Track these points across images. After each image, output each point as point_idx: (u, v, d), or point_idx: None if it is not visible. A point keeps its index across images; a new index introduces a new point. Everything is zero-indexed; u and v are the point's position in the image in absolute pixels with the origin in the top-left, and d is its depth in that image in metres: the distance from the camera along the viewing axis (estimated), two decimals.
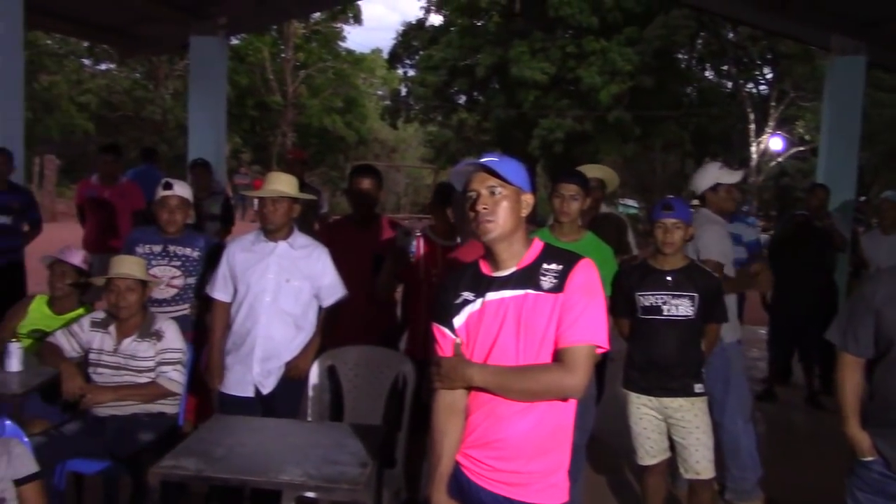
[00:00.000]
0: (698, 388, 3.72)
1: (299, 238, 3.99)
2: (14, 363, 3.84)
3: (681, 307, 3.66)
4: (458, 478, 2.43)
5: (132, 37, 10.77)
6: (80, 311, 4.28)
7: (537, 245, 2.39)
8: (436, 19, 29.81)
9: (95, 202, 7.00)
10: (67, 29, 11.83)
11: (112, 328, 3.88)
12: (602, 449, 5.17)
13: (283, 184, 3.89)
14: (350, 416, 3.87)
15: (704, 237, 4.26)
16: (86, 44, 29.72)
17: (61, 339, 3.94)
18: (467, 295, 2.39)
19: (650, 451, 3.84)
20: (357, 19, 36.99)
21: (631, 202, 33.39)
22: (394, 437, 3.78)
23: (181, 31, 10.18)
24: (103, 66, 34.46)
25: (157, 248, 4.44)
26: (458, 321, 2.39)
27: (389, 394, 3.90)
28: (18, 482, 2.72)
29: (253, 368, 3.90)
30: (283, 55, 36.01)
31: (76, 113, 30.82)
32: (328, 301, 4.02)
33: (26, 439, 2.93)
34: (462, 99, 30.14)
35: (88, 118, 31.38)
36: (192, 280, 4.48)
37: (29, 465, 2.76)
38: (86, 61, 34.21)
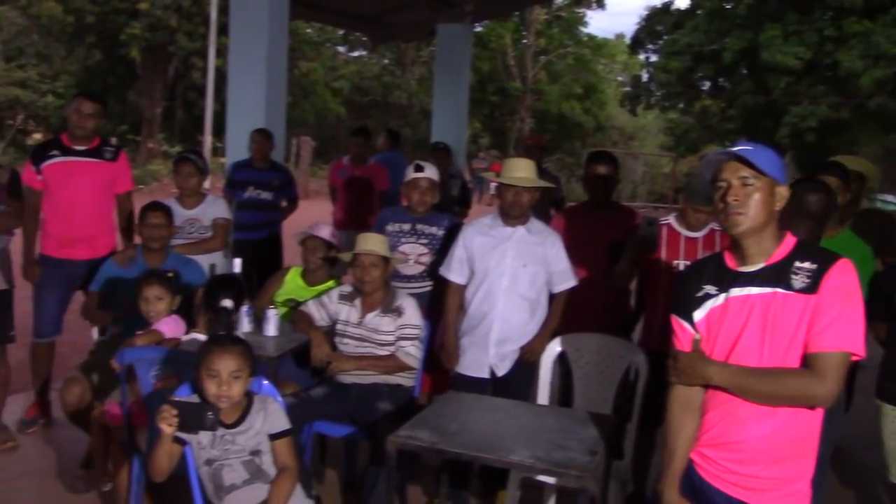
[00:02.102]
0: None
1: (535, 223, 4.03)
2: (270, 328, 4.16)
3: None
4: (691, 476, 2.36)
5: (384, 25, 11.25)
6: (330, 283, 4.56)
7: (789, 241, 2.26)
8: (682, 3, 28.94)
9: (346, 182, 7.42)
10: (326, 18, 12.56)
11: (357, 302, 4.10)
12: (849, 462, 4.83)
13: (523, 170, 3.94)
14: (579, 404, 3.86)
15: None
16: (341, 32, 31.49)
17: (312, 309, 4.22)
18: (710, 288, 2.30)
19: None
20: (600, 4, 36.59)
21: (891, 198, 30.71)
22: (623, 428, 3.73)
23: (429, 18, 10.52)
24: (356, 53, 36.41)
25: (406, 227, 4.65)
26: (698, 315, 2.31)
27: (621, 384, 3.85)
28: (273, 437, 2.95)
29: (489, 351, 4.00)
30: (524, 41, 36.30)
31: (330, 97, 32.75)
32: (559, 287, 4.03)
33: (280, 398, 3.16)
34: (706, 85, 29.04)
35: (341, 102, 33.25)
36: (437, 258, 4.68)
37: (282, 423, 2.98)
38: (340, 49, 36.29)
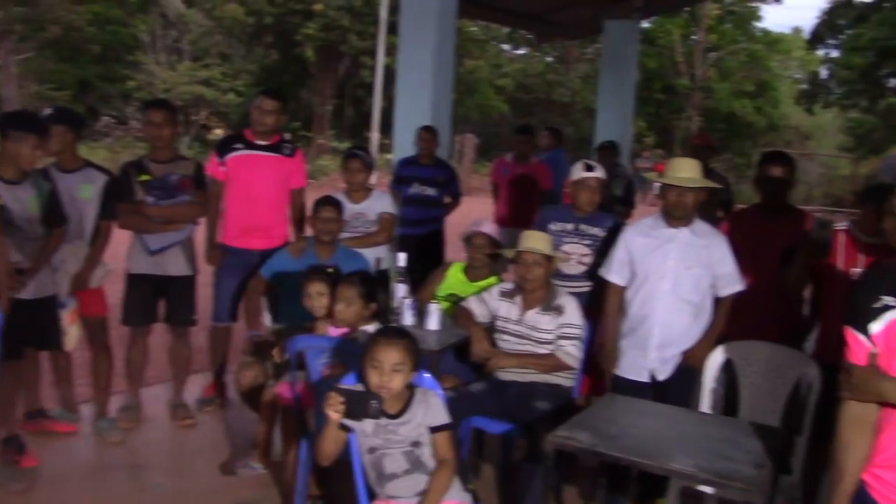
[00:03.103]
0: None
1: (700, 225, 3.91)
2: (433, 322, 4.24)
3: None
4: (863, 499, 2.23)
5: (550, 22, 11.21)
6: (492, 280, 4.59)
7: None
8: None
9: (509, 179, 7.46)
10: (492, 16, 12.64)
11: (518, 299, 4.12)
12: None
13: (688, 170, 3.83)
14: (745, 414, 3.71)
15: None
16: (506, 30, 31.60)
17: (473, 305, 4.27)
18: (889, 300, 2.15)
19: None
20: None
21: None
22: (792, 442, 3.57)
23: (596, 15, 10.39)
24: (520, 51, 36.44)
25: (569, 227, 4.64)
26: (875, 327, 2.17)
27: (790, 396, 3.69)
28: (433, 429, 3.00)
29: (649, 354, 3.92)
30: (693, 37, 35.23)
31: (493, 95, 32.95)
32: (725, 291, 3.90)
33: (440, 392, 3.22)
34: (892, 82, 27.20)
35: (504, 100, 33.40)
36: (593, 259, 4.62)
37: (442, 416, 3.04)
38: (505, 46, 36.42)
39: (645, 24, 26.95)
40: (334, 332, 3.89)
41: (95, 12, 26.70)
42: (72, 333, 4.49)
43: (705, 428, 3.19)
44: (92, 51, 27.71)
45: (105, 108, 25.60)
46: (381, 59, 23.13)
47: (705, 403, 3.76)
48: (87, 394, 4.93)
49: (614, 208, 6.93)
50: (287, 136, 5.31)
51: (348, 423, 2.93)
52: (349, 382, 3.11)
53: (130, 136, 23.52)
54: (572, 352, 4.00)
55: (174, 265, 4.81)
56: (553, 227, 4.63)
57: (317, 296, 3.96)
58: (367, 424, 2.97)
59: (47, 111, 4.60)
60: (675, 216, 3.86)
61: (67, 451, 4.53)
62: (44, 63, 26.31)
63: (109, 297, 4.77)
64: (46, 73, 26.22)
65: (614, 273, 4.06)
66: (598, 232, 4.59)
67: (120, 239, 4.76)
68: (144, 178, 4.72)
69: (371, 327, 3.79)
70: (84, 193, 4.49)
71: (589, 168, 4.60)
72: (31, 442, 4.33)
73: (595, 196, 4.61)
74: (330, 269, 4.07)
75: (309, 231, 4.81)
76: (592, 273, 4.42)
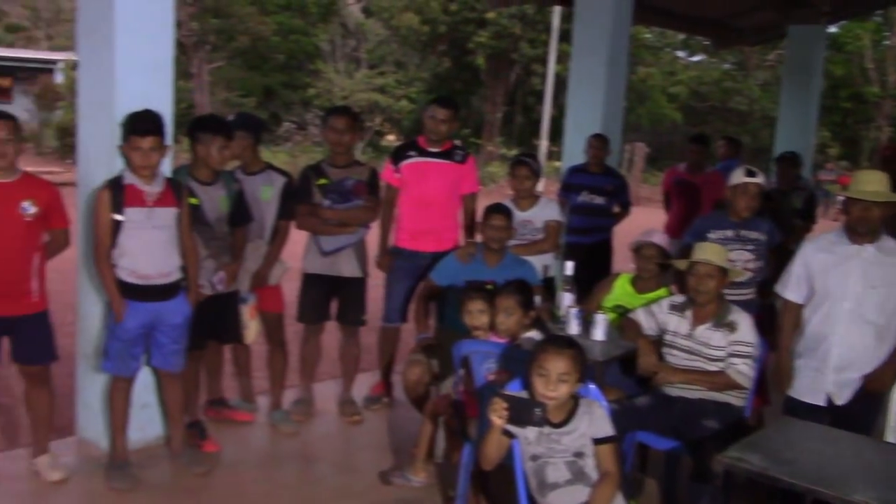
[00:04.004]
0: None
1: (888, 242, 3.67)
2: (599, 333, 4.19)
3: None
4: None
5: (730, 28, 10.84)
6: (661, 292, 4.49)
7: None
8: None
9: (681, 189, 7.26)
10: (668, 23, 12.35)
11: (689, 313, 4.00)
12: None
13: (875, 183, 3.62)
14: None
15: None
16: (681, 36, 30.81)
17: (641, 317, 4.18)
18: None
19: None
20: None
21: None
22: None
23: (780, 20, 9.97)
24: (696, 58, 35.41)
25: (730, 233, 4.55)
26: None
27: None
28: (597, 441, 2.97)
29: (827, 376, 3.72)
30: (886, 42, 33.11)
31: (666, 103, 32.18)
32: None
33: (605, 403, 3.18)
34: None
35: (677, 108, 32.54)
36: (760, 263, 4.54)
37: (607, 428, 3.00)
38: (680, 53, 35.50)
39: (832, 29, 25.61)
40: (497, 341, 3.92)
41: (280, 22, 28.10)
42: (252, 328, 4.74)
43: (891, 458, 3.00)
44: (276, 60, 29.17)
45: (287, 115, 26.89)
46: (552, 66, 23.19)
47: (891, 433, 3.53)
48: (263, 386, 5.18)
49: (794, 222, 6.63)
50: (458, 142, 5.39)
51: (512, 429, 2.94)
52: (514, 389, 3.13)
53: (309, 140, 24.60)
54: (745, 371, 3.84)
55: (347, 267, 4.98)
56: (713, 235, 4.52)
57: (477, 314, 3.99)
58: (531, 432, 2.98)
59: (230, 117, 4.88)
60: (859, 231, 3.65)
61: (244, 438, 4.78)
62: (233, 71, 27.96)
63: (286, 294, 5.00)
64: (235, 80, 27.84)
65: (791, 290, 3.89)
66: (759, 236, 4.55)
67: (297, 239, 4.98)
68: (322, 181, 4.92)
69: (534, 334, 3.79)
70: (265, 195, 4.73)
71: (750, 173, 4.50)
72: (212, 428, 4.61)
73: (754, 202, 4.52)
74: (489, 286, 4.08)
75: (478, 237, 4.86)
76: (759, 282, 4.28)
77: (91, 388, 4.33)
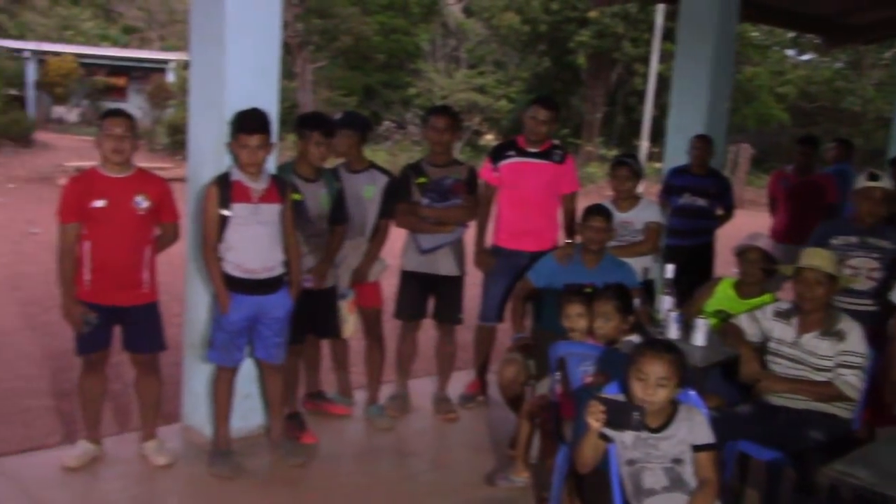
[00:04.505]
0: None
1: None
2: (699, 338, 4.10)
3: None
4: None
5: (843, 26, 10.45)
6: (766, 298, 4.36)
7: None
8: None
9: (788, 193, 7.04)
10: (777, 21, 11.99)
11: (794, 320, 3.87)
12: None
13: None
14: None
15: None
16: (791, 34, 29.84)
17: (744, 323, 4.07)
18: None
19: None
20: None
21: None
22: None
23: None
24: (805, 57, 34.23)
25: (854, 240, 4.40)
26: None
27: None
28: (696, 448, 2.92)
29: None
30: None
31: (773, 103, 31.20)
32: None
33: (705, 410, 3.11)
34: None
35: (784, 108, 31.54)
36: (883, 274, 4.36)
37: (706, 435, 2.94)
38: (789, 52, 34.38)
39: None
40: (594, 343, 3.88)
41: (382, 22, 28.45)
42: (350, 323, 4.82)
43: None
44: (378, 59, 29.54)
45: (387, 114, 27.20)
46: (654, 66, 22.78)
47: None
48: (360, 381, 5.26)
49: None
50: (556, 142, 5.36)
51: (608, 432, 2.91)
52: (611, 392, 3.09)
53: (408, 139, 24.83)
54: (853, 382, 3.69)
55: (444, 265, 5.02)
56: (836, 241, 4.37)
57: (575, 317, 3.95)
58: (628, 436, 2.94)
59: (337, 115, 4.97)
60: None
61: (341, 432, 4.87)
62: (335, 71, 28.45)
63: (385, 291, 5.07)
64: (337, 80, 28.32)
65: None
66: (888, 245, 4.33)
67: (397, 237, 5.04)
68: (422, 180, 4.96)
69: (633, 338, 3.74)
70: (367, 193, 4.80)
71: (873, 177, 4.31)
72: (310, 420, 4.71)
73: (878, 208, 4.37)
74: (588, 289, 4.04)
75: (577, 238, 4.82)
76: (880, 292, 4.10)
77: (197, 378, 4.48)
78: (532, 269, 4.78)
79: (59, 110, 27.00)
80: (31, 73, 26.52)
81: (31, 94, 26.31)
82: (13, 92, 23.59)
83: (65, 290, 3.95)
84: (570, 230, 5.21)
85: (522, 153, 5.15)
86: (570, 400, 3.65)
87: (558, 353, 3.78)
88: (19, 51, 26.55)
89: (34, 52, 26.85)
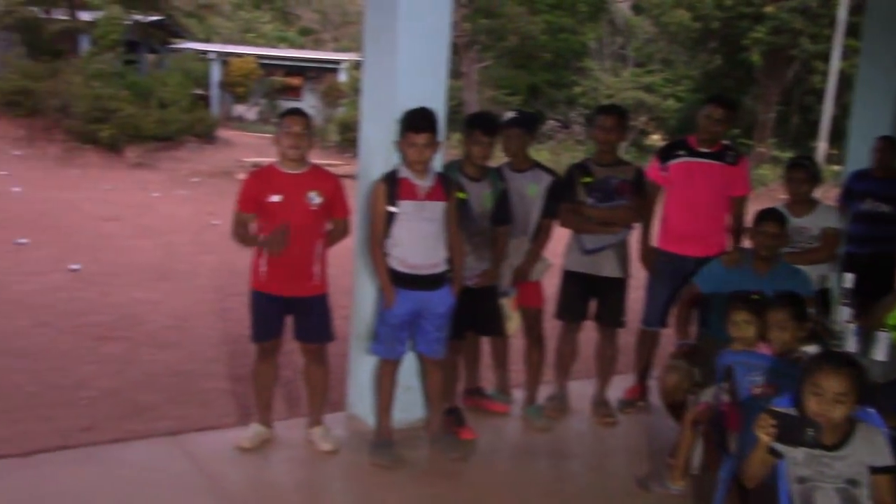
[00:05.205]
0: None
1: None
2: (880, 352, 3.87)
3: None
4: None
5: None
6: None
7: None
8: None
9: None
10: None
11: None
12: None
13: None
14: None
15: None
16: None
17: None
18: None
19: None
20: None
21: None
22: None
23: None
24: None
25: None
26: None
27: None
28: (874, 470, 2.75)
29: None
30: None
31: None
32: None
33: (886, 430, 2.93)
34: None
35: None
36: None
37: (887, 457, 2.76)
38: None
39: None
40: (764, 353, 3.72)
41: (549, 21, 28.36)
42: (514, 320, 4.85)
43: None
44: (543, 58, 29.47)
45: (551, 113, 27.11)
46: (835, 63, 21.62)
47: None
48: (518, 379, 5.27)
49: None
50: (728, 142, 5.18)
51: (779, 447, 2.79)
52: (782, 405, 2.96)
53: (572, 139, 24.66)
54: None
55: (607, 266, 4.95)
56: None
57: (743, 324, 3.79)
58: (799, 452, 2.81)
59: (509, 114, 4.97)
60: None
61: (499, 429, 4.90)
62: (500, 70, 28.61)
63: (546, 290, 5.05)
64: (502, 79, 28.48)
65: None
66: None
67: (560, 236, 5.01)
68: (587, 179, 4.91)
69: (812, 348, 3.56)
70: (531, 192, 4.79)
71: None
72: (469, 416, 4.76)
73: None
74: (755, 296, 3.86)
75: (747, 243, 4.64)
76: None
77: (362, 368, 4.63)
78: (699, 274, 4.64)
79: (239, 108, 28.58)
80: (216, 73, 28.22)
81: (214, 93, 27.98)
82: (199, 91, 25.11)
83: (249, 239, 4.16)
84: (739, 235, 5.02)
85: (693, 153, 5.01)
86: (737, 411, 3.52)
87: (725, 362, 3.65)
88: (205, 52, 28.28)
89: (218, 54, 28.55)
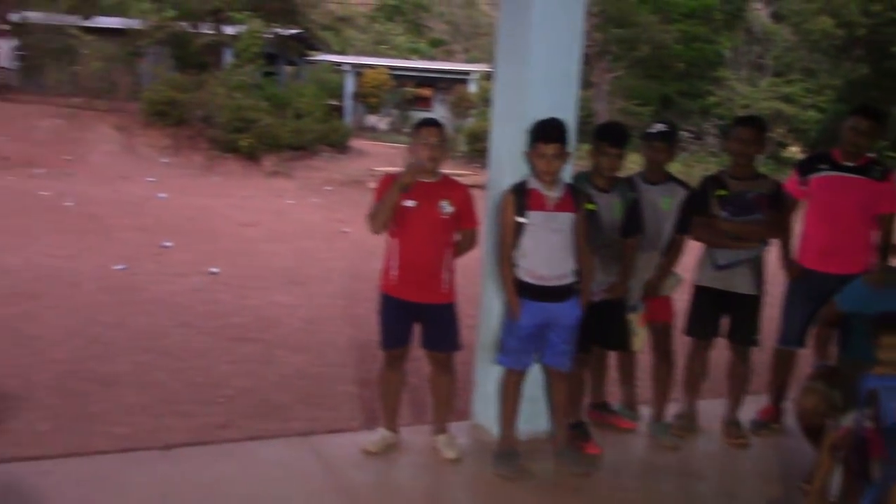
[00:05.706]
0: None
1: None
2: None
3: None
4: None
5: None
6: None
7: None
8: None
9: None
10: None
11: None
12: None
13: None
14: None
15: None
16: None
17: None
18: None
19: None
20: None
21: None
22: None
23: None
24: None
25: None
26: None
27: None
28: None
29: None
30: None
31: None
32: None
33: None
34: None
35: None
36: None
37: None
38: None
39: None
40: None
41: (682, 30, 27.77)
42: (640, 336, 4.75)
43: None
44: (676, 68, 28.89)
45: (684, 124, 26.52)
46: None
47: None
48: (645, 395, 5.16)
49: None
50: (874, 156, 4.93)
51: None
52: None
53: (705, 150, 24.03)
54: None
55: (741, 282, 4.79)
56: None
57: (893, 348, 3.58)
58: None
59: (658, 126, 4.79)
60: None
61: (625, 445, 4.81)
62: (631, 80, 28.20)
63: (677, 306, 4.94)
64: (633, 89, 28.06)
65: None
66: None
67: (692, 249, 4.89)
68: (721, 192, 4.77)
69: None
70: (665, 205, 4.69)
71: None
72: (594, 431, 4.69)
73: None
74: None
75: (895, 262, 4.40)
76: None
77: (487, 378, 4.64)
78: (841, 293, 4.43)
79: (371, 119, 29.23)
80: (350, 84, 28.99)
81: (348, 103, 28.74)
82: (333, 102, 25.84)
83: (390, 197, 4.12)
84: (886, 253, 4.76)
85: (836, 167, 4.79)
86: (881, 437, 3.33)
87: (869, 386, 3.47)
88: (339, 64, 29.10)
89: (352, 66, 29.33)
